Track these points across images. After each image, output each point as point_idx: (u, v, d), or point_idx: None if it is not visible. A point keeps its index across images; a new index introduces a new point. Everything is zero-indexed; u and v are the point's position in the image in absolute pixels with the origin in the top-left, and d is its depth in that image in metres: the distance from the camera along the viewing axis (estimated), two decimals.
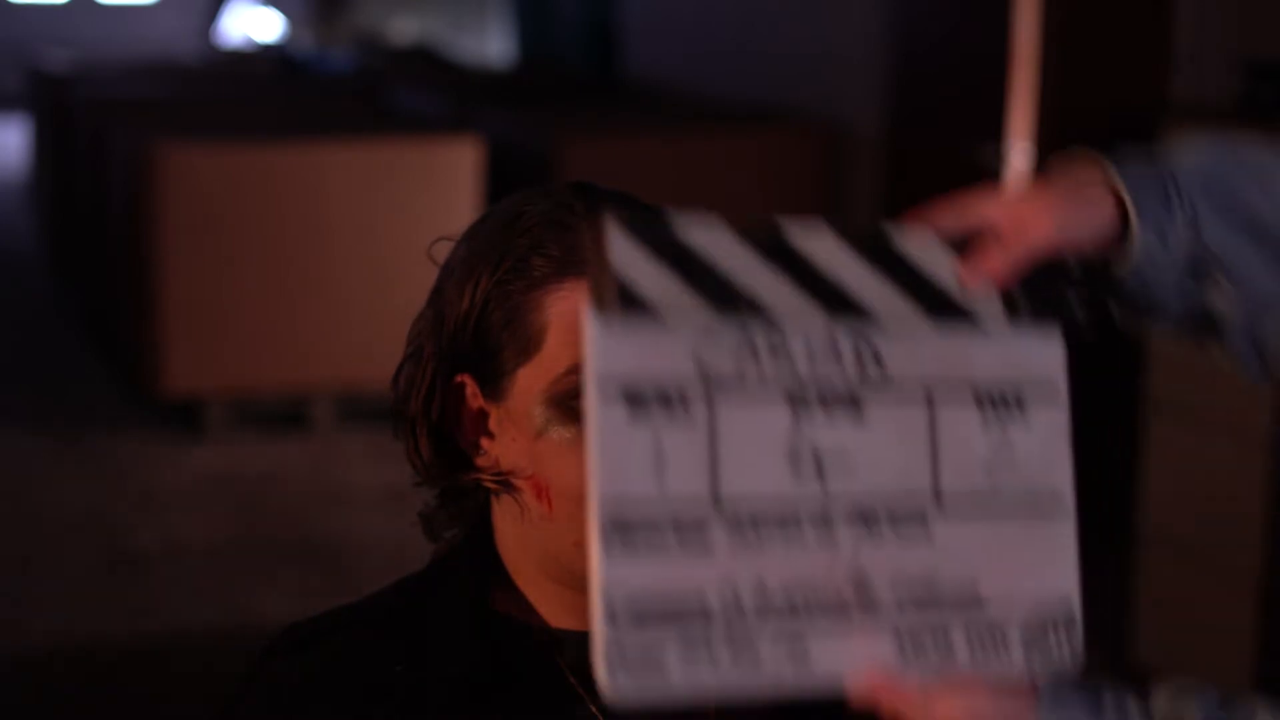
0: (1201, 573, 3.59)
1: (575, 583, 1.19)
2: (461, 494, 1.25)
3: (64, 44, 13.29)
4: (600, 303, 0.96)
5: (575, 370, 1.13)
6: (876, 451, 1.02)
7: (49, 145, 8.92)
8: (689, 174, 5.97)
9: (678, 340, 0.97)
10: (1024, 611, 1.04)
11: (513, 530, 1.23)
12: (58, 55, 10.62)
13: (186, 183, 5.65)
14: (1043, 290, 1.06)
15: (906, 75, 6.01)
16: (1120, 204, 1.07)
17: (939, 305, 1.04)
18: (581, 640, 1.21)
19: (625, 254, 0.97)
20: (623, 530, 0.95)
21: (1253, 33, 3.95)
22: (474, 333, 1.19)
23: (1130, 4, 4.65)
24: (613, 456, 0.95)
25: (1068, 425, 1.06)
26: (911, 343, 1.03)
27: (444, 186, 5.85)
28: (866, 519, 1.01)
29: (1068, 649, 1.06)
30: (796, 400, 1.00)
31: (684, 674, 0.96)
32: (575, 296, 1.16)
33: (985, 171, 5.01)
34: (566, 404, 1.15)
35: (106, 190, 6.50)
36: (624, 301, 0.96)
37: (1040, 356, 1.06)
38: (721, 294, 0.99)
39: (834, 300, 1.02)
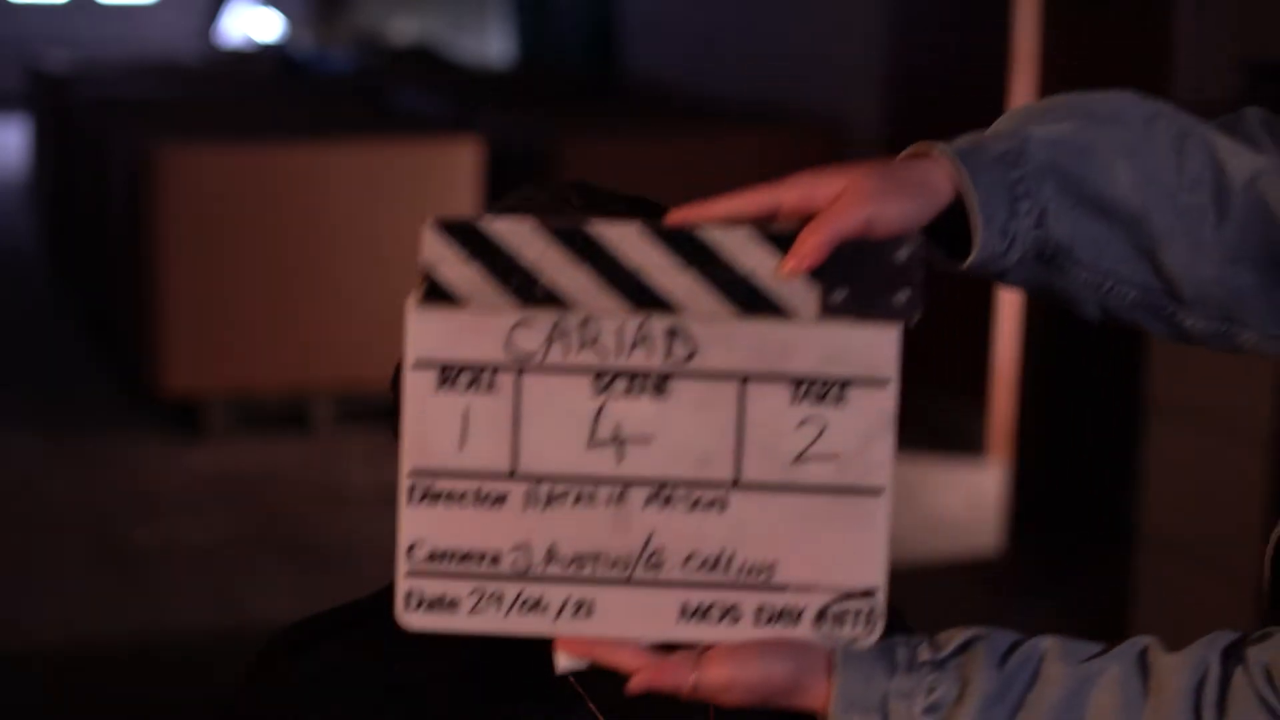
0: (1201, 572, 3.60)
1: None
2: None
3: (64, 44, 13.29)
4: (418, 295, 1.07)
5: None
6: (680, 434, 1.06)
7: (49, 145, 8.93)
8: (689, 174, 5.97)
9: (491, 327, 1.06)
10: (823, 598, 1.08)
11: None
12: (58, 55, 10.62)
13: (186, 183, 5.65)
14: (866, 279, 1.06)
15: (906, 75, 6.01)
16: (960, 192, 1.06)
17: (753, 301, 1.06)
18: None
19: (437, 251, 1.06)
20: (426, 488, 1.07)
21: (1253, 33, 3.95)
22: None
23: (1130, 4, 4.65)
24: (421, 424, 1.07)
25: (893, 412, 1.07)
26: (725, 336, 1.06)
27: (444, 186, 5.85)
28: (663, 496, 1.07)
29: (863, 628, 1.08)
30: (603, 383, 1.06)
31: (473, 616, 1.08)
32: None
33: None
34: None
35: (106, 190, 6.50)
36: (434, 294, 1.06)
37: (866, 347, 1.07)
38: (529, 291, 1.06)
39: (642, 298, 1.06)
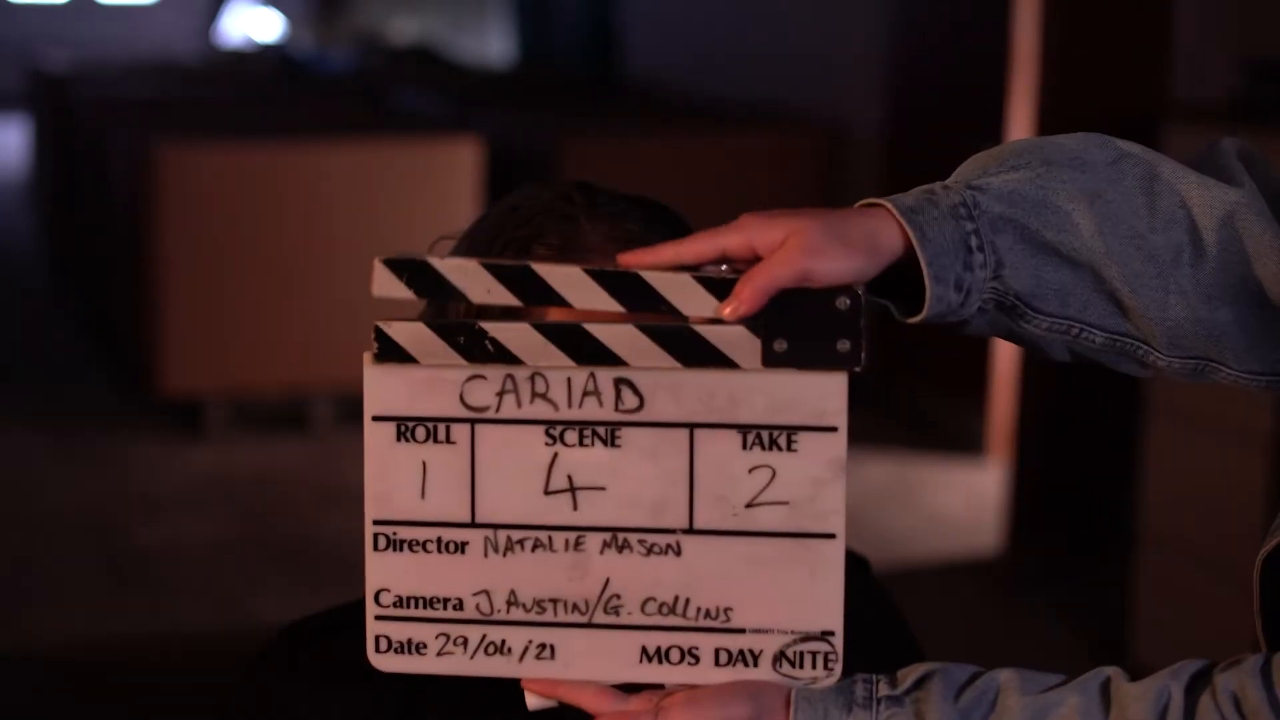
0: (1201, 573, 3.59)
1: None
2: None
3: (64, 44, 13.28)
4: (372, 353, 1.10)
5: None
6: (632, 482, 1.09)
7: (49, 145, 8.93)
8: (689, 174, 5.97)
9: (444, 383, 1.09)
10: (780, 640, 1.10)
11: None
12: (58, 55, 10.62)
13: (186, 183, 5.65)
14: (807, 329, 1.06)
15: (906, 75, 6.01)
16: (910, 244, 1.06)
17: (697, 353, 1.08)
18: None
19: (386, 287, 1.08)
20: (390, 536, 1.11)
21: (1253, 33, 3.95)
22: None
23: (1130, 4, 4.65)
24: (382, 476, 1.10)
25: (843, 459, 1.08)
26: (673, 387, 1.08)
27: (444, 186, 5.85)
28: (619, 542, 1.10)
29: (822, 669, 1.10)
30: (555, 433, 1.09)
31: (441, 659, 1.12)
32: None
33: None
34: None
35: (106, 190, 6.50)
36: (388, 352, 1.09)
37: (813, 395, 1.07)
38: (478, 347, 1.08)
39: (588, 352, 1.08)
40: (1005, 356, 5.38)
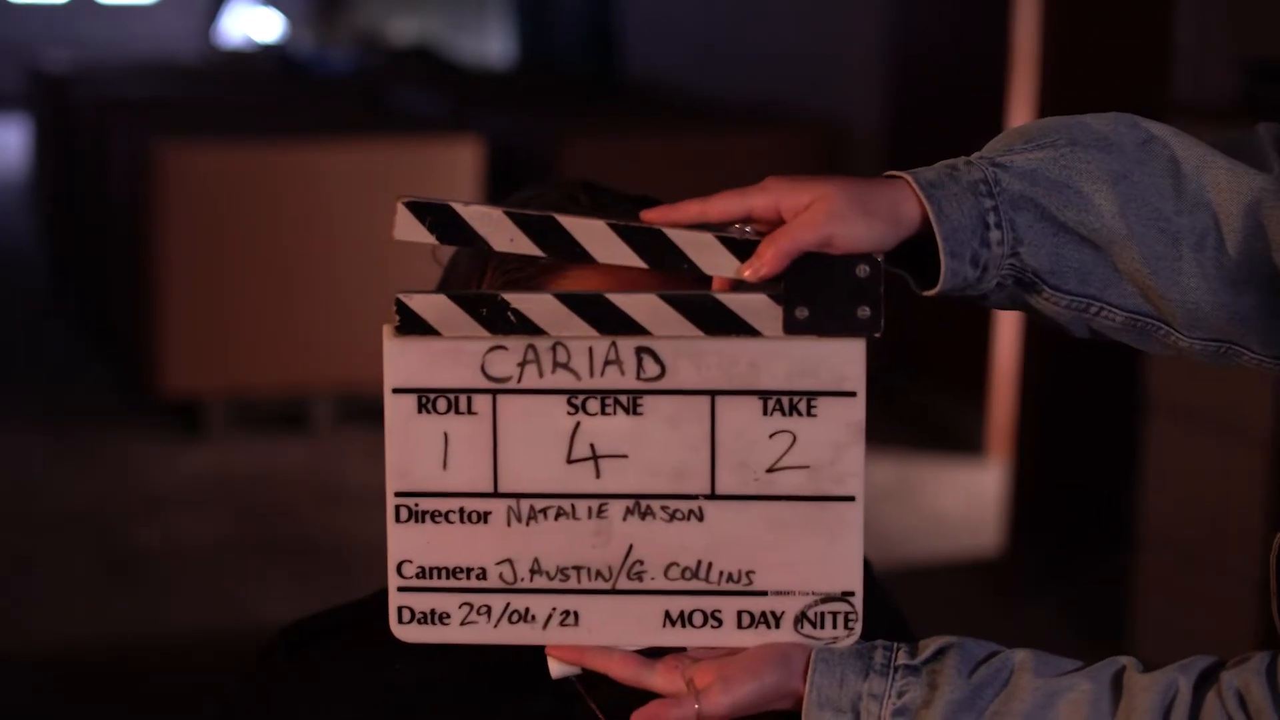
0: (1201, 573, 3.59)
1: None
2: None
3: (64, 44, 13.28)
4: (393, 326, 1.10)
5: None
6: (654, 449, 1.10)
7: (49, 145, 8.93)
8: (689, 174, 5.97)
9: (466, 354, 1.09)
10: (801, 602, 1.11)
11: None
12: (58, 55, 10.62)
13: (186, 183, 5.65)
14: (828, 296, 1.07)
15: (906, 75, 6.01)
16: (929, 218, 1.07)
17: (719, 321, 1.08)
18: None
19: (408, 230, 1.09)
20: (412, 508, 1.11)
21: (1253, 33, 3.95)
22: None
23: (1130, 4, 4.65)
24: (403, 448, 1.10)
25: (862, 423, 1.10)
26: (694, 354, 1.09)
27: (444, 186, 5.85)
28: (642, 509, 1.10)
29: (842, 629, 1.11)
30: (577, 402, 1.09)
31: (464, 628, 1.12)
32: (581, 283, 1.17)
33: None
34: None
35: (106, 190, 6.50)
36: (409, 325, 1.09)
37: (833, 360, 1.09)
38: (500, 319, 1.09)
39: (610, 321, 1.08)
40: (1006, 356, 5.38)
